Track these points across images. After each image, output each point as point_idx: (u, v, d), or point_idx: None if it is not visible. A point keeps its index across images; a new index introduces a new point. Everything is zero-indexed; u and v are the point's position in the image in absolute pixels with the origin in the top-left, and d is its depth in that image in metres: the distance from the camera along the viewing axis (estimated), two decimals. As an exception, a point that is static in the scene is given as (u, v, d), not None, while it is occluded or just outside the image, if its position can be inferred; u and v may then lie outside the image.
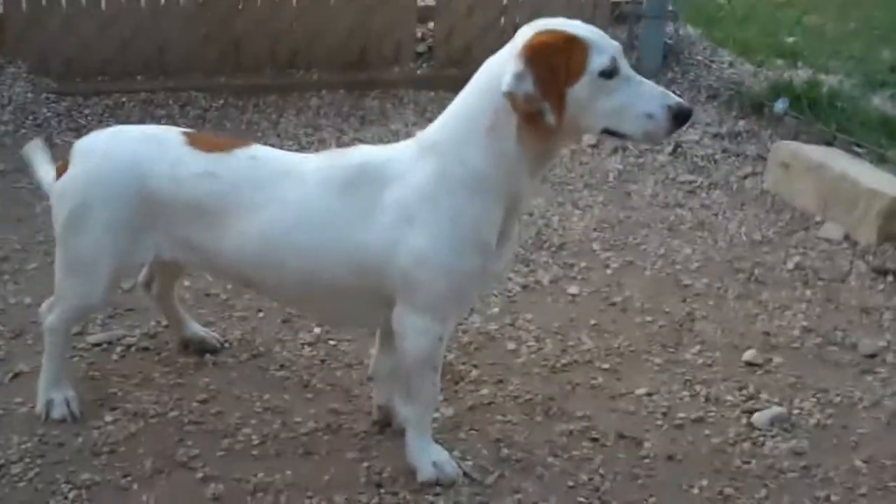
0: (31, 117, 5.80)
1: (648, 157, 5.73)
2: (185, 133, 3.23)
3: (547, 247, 4.68)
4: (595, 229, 4.89)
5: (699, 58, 6.81)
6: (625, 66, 2.83)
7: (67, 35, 6.11)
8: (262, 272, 3.10)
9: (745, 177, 5.52)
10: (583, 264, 4.54)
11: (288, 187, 3.04)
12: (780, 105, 6.08)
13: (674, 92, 2.89)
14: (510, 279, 4.35)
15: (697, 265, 4.59)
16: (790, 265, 4.60)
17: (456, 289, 2.97)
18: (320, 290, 3.07)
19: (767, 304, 4.29)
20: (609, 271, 4.51)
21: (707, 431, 3.47)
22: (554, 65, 2.75)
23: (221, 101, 6.15)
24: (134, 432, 3.31)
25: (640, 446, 3.38)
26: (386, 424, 3.38)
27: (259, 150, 3.18)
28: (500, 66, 2.82)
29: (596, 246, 4.72)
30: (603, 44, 2.81)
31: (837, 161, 5.12)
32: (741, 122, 6.12)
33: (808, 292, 4.39)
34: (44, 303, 3.45)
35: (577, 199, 5.21)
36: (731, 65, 6.78)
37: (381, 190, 2.95)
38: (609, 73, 2.78)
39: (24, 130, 5.65)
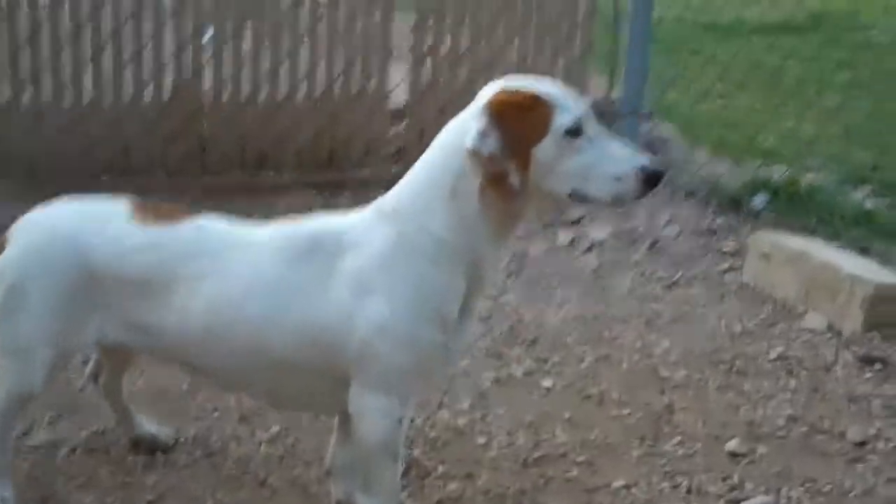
0: (-9, 221, 5.64)
1: (625, 253, 5.59)
2: (129, 203, 3.07)
3: (520, 341, 4.50)
4: (569, 324, 4.71)
5: (675, 156, 6.73)
6: (592, 126, 2.70)
7: (30, 136, 5.98)
8: (210, 348, 2.92)
9: (725, 271, 5.37)
10: (557, 358, 4.36)
11: (237, 257, 2.90)
12: (759, 200, 5.98)
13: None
14: (481, 373, 4.16)
15: (676, 357, 4.40)
16: (773, 355, 4.42)
17: (416, 363, 2.80)
18: (271, 367, 2.89)
19: (750, 394, 4.10)
20: (584, 365, 4.32)
21: (689, 523, 3.27)
22: (519, 123, 2.63)
23: (188, 202, 6.00)
24: (74, 534, 3.10)
25: (618, 540, 3.17)
26: (345, 521, 3.17)
27: (207, 221, 3.03)
28: (462, 127, 2.71)
29: (570, 340, 4.54)
30: (568, 102, 2.69)
31: (819, 250, 4.98)
32: (719, 219, 6.00)
33: (793, 382, 4.21)
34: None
35: (552, 294, 5.04)
36: (707, 163, 6.69)
37: (336, 259, 2.80)
38: (575, 132, 2.66)
39: (-17, 235, 5.49)
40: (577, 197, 2.72)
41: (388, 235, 2.78)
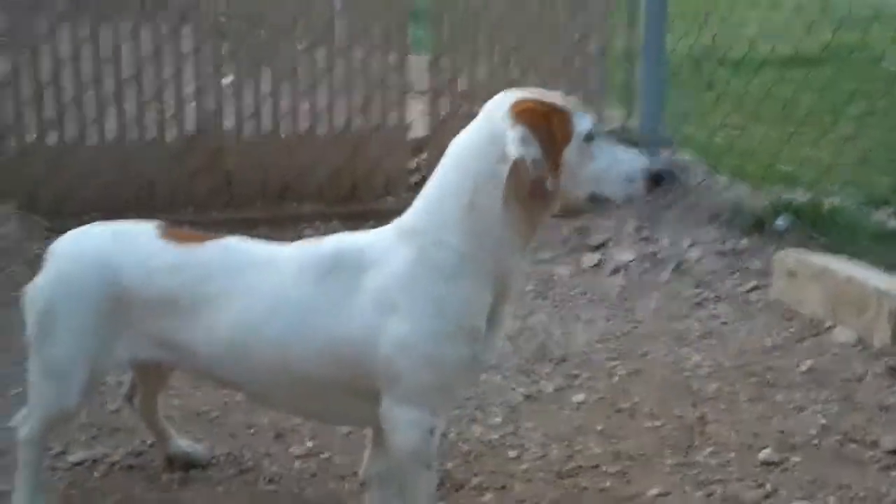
0: (21, 255, 5.68)
1: (651, 274, 5.60)
2: (158, 226, 3.13)
3: (549, 359, 4.51)
4: (598, 341, 4.73)
5: (696, 181, 6.75)
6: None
7: (56, 172, 6.07)
8: (237, 365, 2.96)
9: (751, 290, 5.37)
10: (587, 374, 4.37)
11: (261, 276, 2.93)
12: (781, 222, 5.98)
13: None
14: (512, 390, 4.18)
15: (707, 371, 4.41)
16: (803, 368, 4.42)
17: (442, 378, 2.82)
18: (298, 383, 2.92)
19: (782, 405, 4.10)
20: (615, 379, 4.33)
21: (726, 529, 3.26)
22: (551, 128, 2.69)
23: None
24: (111, 550, 3.11)
25: (654, 546, 3.17)
26: (381, 534, 3.16)
27: (232, 241, 3.08)
28: (478, 139, 2.78)
29: (601, 356, 4.56)
30: (579, 109, 2.78)
31: (843, 266, 4.98)
32: (743, 240, 5.98)
33: (824, 393, 4.20)
34: (17, 415, 3.26)
35: (580, 314, 5.07)
36: (728, 187, 6.71)
37: (358, 277, 2.83)
38: (591, 137, 2.75)
39: (13, 268, 5.53)
40: (595, 199, 2.80)
41: (407, 253, 2.81)
